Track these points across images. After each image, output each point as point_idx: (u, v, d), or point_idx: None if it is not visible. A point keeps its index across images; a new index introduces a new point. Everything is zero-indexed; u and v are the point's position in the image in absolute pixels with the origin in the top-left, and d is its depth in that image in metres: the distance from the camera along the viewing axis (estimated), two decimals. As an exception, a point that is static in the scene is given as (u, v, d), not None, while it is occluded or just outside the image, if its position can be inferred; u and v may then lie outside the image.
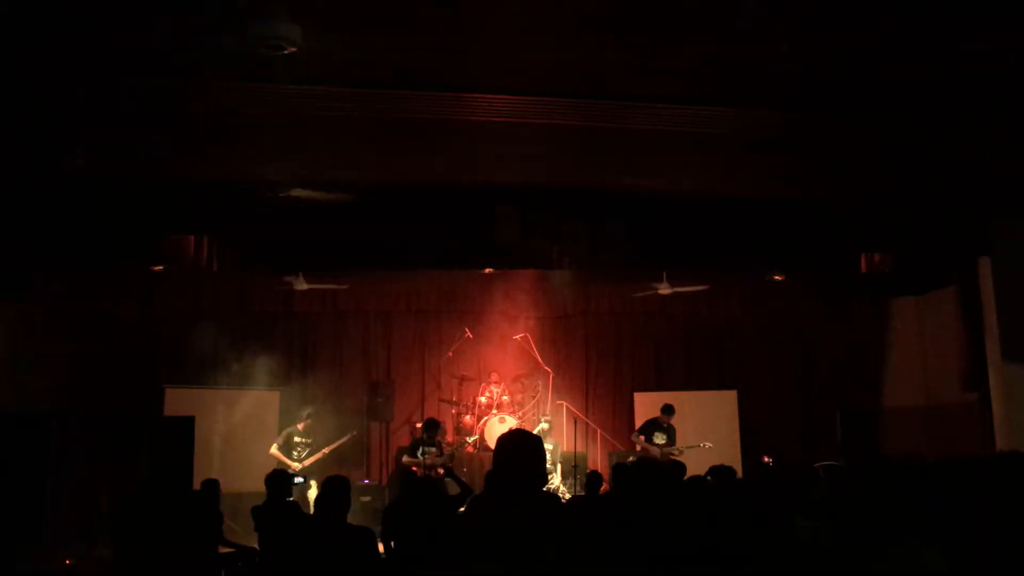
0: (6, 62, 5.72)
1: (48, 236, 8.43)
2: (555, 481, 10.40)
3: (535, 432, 10.49)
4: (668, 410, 10.17)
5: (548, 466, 9.99)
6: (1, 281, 8.82)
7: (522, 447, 2.78)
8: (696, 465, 7.45)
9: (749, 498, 4.66)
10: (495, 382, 11.40)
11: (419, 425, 11.19)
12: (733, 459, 10.32)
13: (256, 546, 6.47)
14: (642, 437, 10.13)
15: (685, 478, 6.17)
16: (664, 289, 11.46)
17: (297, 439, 9.74)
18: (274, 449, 9.69)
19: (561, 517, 2.77)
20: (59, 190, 7.73)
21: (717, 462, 6.88)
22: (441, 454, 9.76)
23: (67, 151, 7.04)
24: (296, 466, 9.52)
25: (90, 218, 8.30)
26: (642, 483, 4.47)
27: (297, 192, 8.28)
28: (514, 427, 10.83)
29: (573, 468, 10.21)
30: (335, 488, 4.30)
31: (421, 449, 9.65)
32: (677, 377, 12.14)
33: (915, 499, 2.72)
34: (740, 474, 9.50)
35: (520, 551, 2.49)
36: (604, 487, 7.81)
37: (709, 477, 6.28)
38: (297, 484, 9.15)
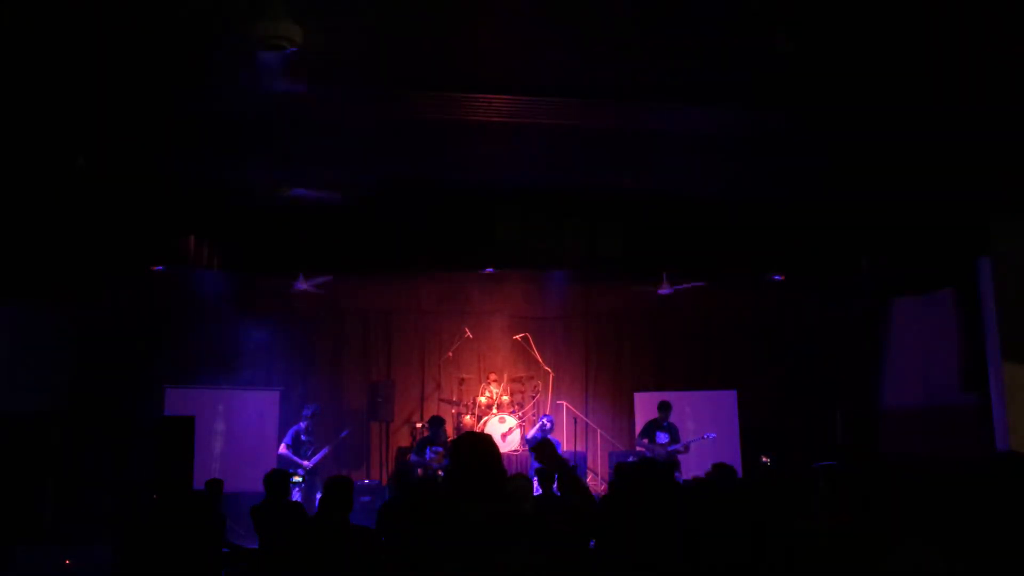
0: (7, 63, 5.73)
1: (48, 236, 8.43)
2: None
3: (536, 430, 10.56)
4: (664, 407, 10.17)
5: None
6: (2, 280, 8.81)
7: (477, 447, 2.80)
8: (699, 459, 7.46)
9: (748, 498, 4.66)
10: (495, 382, 11.40)
11: (419, 425, 11.21)
12: (733, 459, 10.33)
13: (256, 547, 6.47)
14: (645, 440, 10.13)
15: (691, 475, 6.18)
16: (664, 289, 11.47)
17: (304, 437, 9.76)
18: (283, 448, 9.70)
19: (523, 516, 2.79)
20: (59, 190, 7.74)
21: (719, 458, 6.88)
22: (447, 454, 9.76)
23: (69, 151, 7.05)
24: (306, 464, 9.56)
25: (91, 218, 8.30)
26: (641, 483, 4.48)
27: (297, 192, 8.29)
28: (516, 428, 10.83)
29: (574, 467, 10.19)
30: (338, 489, 4.31)
31: (429, 449, 9.64)
32: (677, 377, 12.12)
33: (915, 499, 2.72)
34: (740, 474, 9.51)
35: (479, 550, 2.50)
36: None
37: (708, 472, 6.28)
38: (296, 483, 9.16)
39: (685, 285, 11.42)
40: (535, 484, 6.97)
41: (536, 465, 9.91)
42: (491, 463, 2.76)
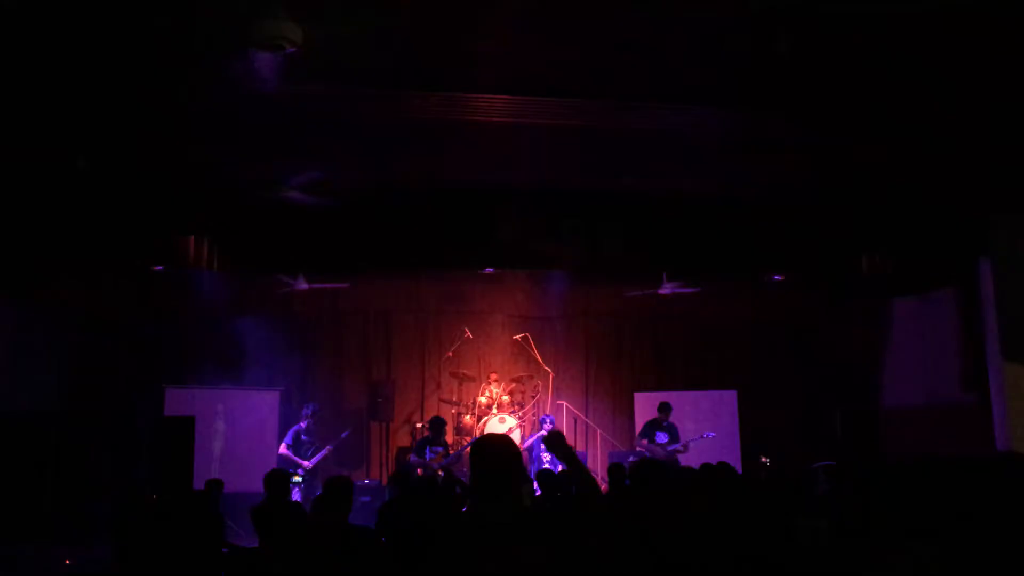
0: (8, 60, 5.73)
1: (48, 236, 8.44)
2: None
3: (535, 437, 10.56)
4: (665, 408, 10.18)
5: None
6: (2, 281, 8.82)
7: (494, 449, 2.82)
8: (698, 459, 7.43)
9: (748, 498, 4.66)
10: (495, 382, 11.39)
11: (419, 425, 11.21)
12: (733, 459, 10.33)
13: (256, 547, 6.47)
14: (644, 440, 10.13)
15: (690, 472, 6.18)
16: (664, 289, 11.47)
17: (304, 438, 9.74)
18: (283, 448, 9.68)
19: (534, 516, 2.80)
20: (60, 190, 7.74)
21: (719, 458, 6.88)
22: (448, 455, 9.75)
23: (68, 151, 7.05)
24: (307, 464, 9.55)
25: (91, 218, 8.31)
26: (640, 483, 4.48)
27: (296, 192, 8.29)
28: (516, 428, 10.83)
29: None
30: (337, 489, 4.31)
31: (429, 449, 9.63)
32: (677, 377, 12.12)
33: (915, 499, 2.72)
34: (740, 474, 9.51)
35: (492, 551, 2.51)
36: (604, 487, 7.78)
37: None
38: (296, 483, 9.15)
39: (685, 285, 11.42)
40: (535, 486, 6.97)
41: (536, 467, 9.95)
42: (510, 465, 2.77)
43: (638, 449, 10.24)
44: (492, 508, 2.67)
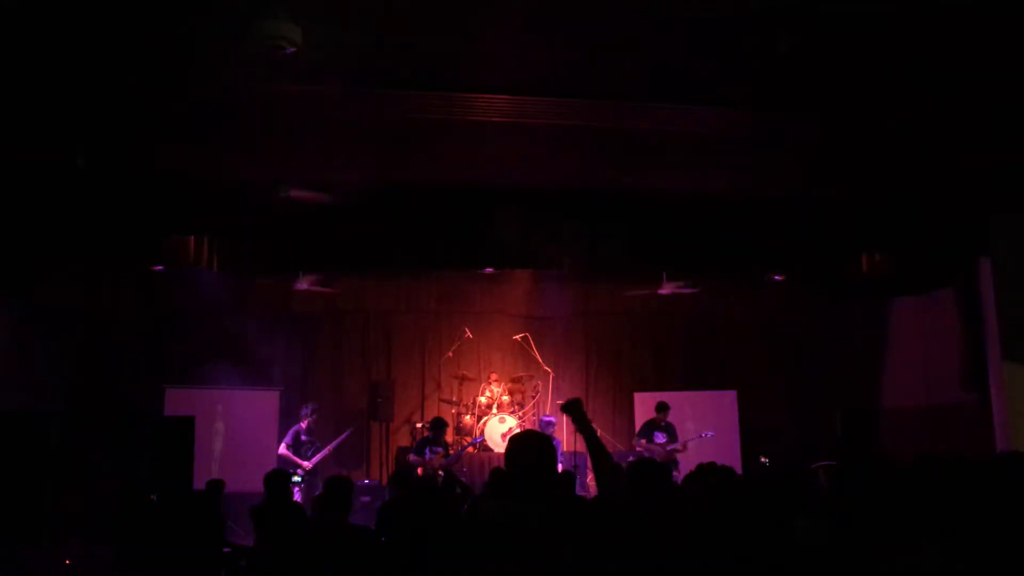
0: (8, 60, 5.73)
1: (49, 236, 8.44)
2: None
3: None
4: (662, 408, 10.19)
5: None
6: (2, 280, 8.82)
7: (531, 447, 2.81)
8: (698, 459, 7.41)
9: (748, 498, 4.66)
10: (495, 382, 11.39)
11: (419, 425, 11.20)
12: (733, 459, 10.33)
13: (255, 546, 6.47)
14: (643, 440, 10.13)
15: (689, 472, 6.16)
16: (664, 289, 11.47)
17: (304, 438, 9.73)
18: (283, 448, 9.68)
19: (570, 517, 2.79)
20: (60, 190, 7.74)
21: (719, 458, 6.88)
22: (448, 455, 9.74)
23: (68, 151, 7.05)
24: (307, 464, 9.54)
25: (91, 218, 8.31)
26: (640, 484, 4.47)
27: (297, 192, 8.29)
28: (516, 428, 10.82)
29: (574, 468, 10.21)
30: (337, 488, 4.31)
31: (429, 449, 9.63)
32: (677, 377, 12.12)
33: (915, 499, 2.72)
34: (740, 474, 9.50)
35: (526, 551, 2.50)
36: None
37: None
38: (296, 483, 9.14)
39: (685, 285, 11.42)
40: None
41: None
42: (546, 464, 2.77)
43: (637, 449, 10.23)
44: (500, 507, 2.67)
